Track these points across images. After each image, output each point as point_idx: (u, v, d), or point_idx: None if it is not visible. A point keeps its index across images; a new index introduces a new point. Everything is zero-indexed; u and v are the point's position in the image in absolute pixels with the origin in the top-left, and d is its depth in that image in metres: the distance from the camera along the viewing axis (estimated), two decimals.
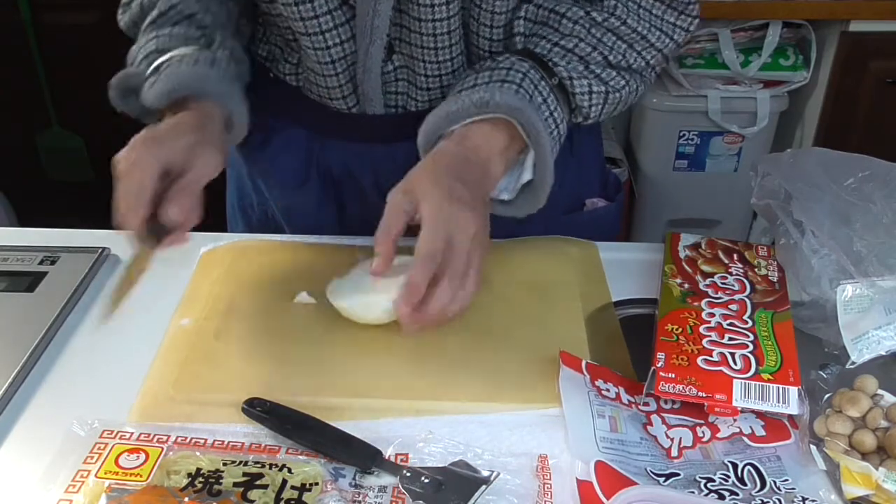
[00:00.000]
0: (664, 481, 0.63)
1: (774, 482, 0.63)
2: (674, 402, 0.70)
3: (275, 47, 0.93)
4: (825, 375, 0.71)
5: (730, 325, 0.74)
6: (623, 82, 0.84)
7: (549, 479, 0.63)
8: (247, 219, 1.06)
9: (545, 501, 0.61)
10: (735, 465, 0.65)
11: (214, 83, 0.81)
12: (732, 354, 0.70)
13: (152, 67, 0.81)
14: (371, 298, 0.75)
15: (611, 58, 0.82)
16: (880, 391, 0.68)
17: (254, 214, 1.05)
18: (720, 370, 0.68)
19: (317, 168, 0.96)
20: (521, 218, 0.93)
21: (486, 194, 0.77)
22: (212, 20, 0.86)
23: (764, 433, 0.67)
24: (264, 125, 0.98)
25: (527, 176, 0.81)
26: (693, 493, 0.62)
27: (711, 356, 0.69)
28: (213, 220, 1.04)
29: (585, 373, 0.71)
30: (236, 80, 0.84)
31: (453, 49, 0.84)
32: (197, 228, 0.91)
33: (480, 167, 0.76)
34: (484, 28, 0.83)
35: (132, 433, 0.66)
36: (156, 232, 0.72)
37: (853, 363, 0.70)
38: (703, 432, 0.68)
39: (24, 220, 2.26)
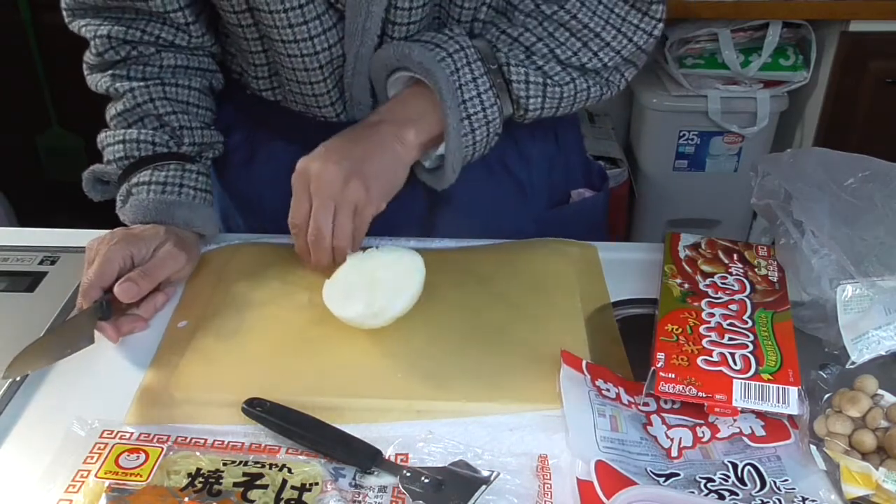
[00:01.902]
0: (664, 481, 0.63)
1: (774, 482, 0.63)
2: (674, 402, 0.70)
3: (249, 65, 0.91)
4: (825, 375, 0.71)
5: (730, 325, 0.74)
6: (568, 78, 0.84)
7: (549, 479, 0.63)
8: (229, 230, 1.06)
9: (545, 501, 0.61)
10: (735, 465, 0.65)
11: (180, 212, 0.85)
12: (732, 354, 0.70)
13: (122, 191, 0.87)
14: (360, 307, 0.74)
15: (559, 52, 0.83)
16: (880, 391, 0.68)
17: (238, 231, 1.04)
18: (720, 370, 0.68)
19: None
20: (512, 212, 0.95)
21: (375, 156, 0.80)
22: (178, 120, 0.88)
23: (764, 433, 0.67)
24: (247, 142, 0.97)
25: (441, 150, 0.83)
26: (693, 493, 0.62)
27: (711, 356, 0.69)
28: None
29: (586, 373, 0.71)
30: (205, 194, 0.89)
31: None
32: None
33: (370, 135, 0.81)
34: (453, 22, 0.84)
35: (132, 433, 0.66)
36: (107, 309, 0.77)
37: (853, 363, 0.70)
38: (703, 432, 0.68)
39: (24, 220, 2.26)
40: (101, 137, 0.89)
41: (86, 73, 0.91)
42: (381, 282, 0.75)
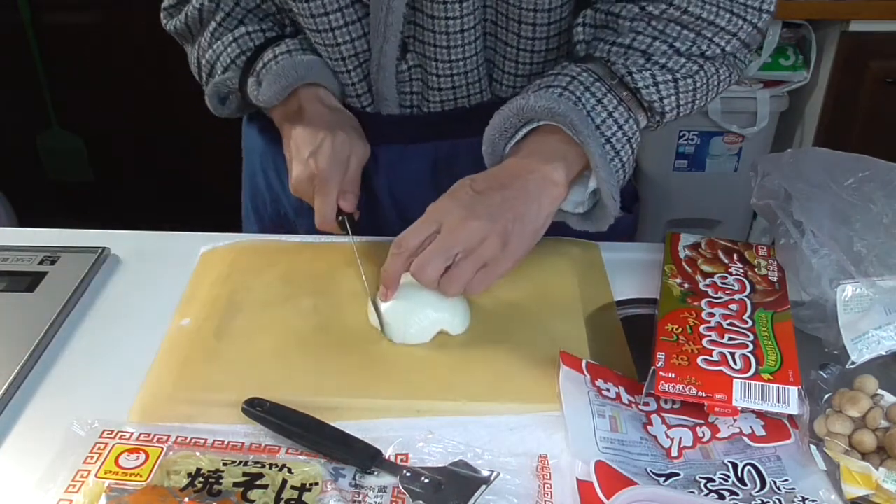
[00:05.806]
0: (664, 481, 0.63)
1: (774, 482, 0.63)
2: (674, 402, 0.70)
3: None
4: (825, 375, 0.71)
5: (730, 324, 0.74)
6: (696, 67, 0.80)
7: (549, 479, 0.63)
8: (259, 217, 1.06)
9: (545, 501, 0.61)
10: (735, 465, 0.65)
11: (313, 70, 0.87)
12: (732, 354, 0.70)
13: (250, 84, 0.87)
14: (414, 319, 0.76)
15: (678, 45, 0.79)
16: (880, 391, 0.68)
17: (266, 213, 1.05)
18: (720, 370, 0.68)
19: None
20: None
21: (522, 212, 0.74)
22: (274, 6, 0.89)
23: (764, 433, 0.67)
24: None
25: (592, 184, 0.79)
26: (693, 493, 0.62)
27: (711, 356, 0.69)
28: (213, 221, 1.04)
29: (586, 372, 0.71)
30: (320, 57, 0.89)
31: (467, 49, 0.84)
32: (197, 229, 0.92)
33: (518, 182, 0.75)
34: (513, 24, 0.82)
35: (132, 433, 0.66)
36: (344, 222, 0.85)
37: (853, 363, 0.70)
38: (703, 432, 0.68)
39: (24, 220, 2.26)
40: (208, 56, 0.90)
41: (163, 20, 0.92)
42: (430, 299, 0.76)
